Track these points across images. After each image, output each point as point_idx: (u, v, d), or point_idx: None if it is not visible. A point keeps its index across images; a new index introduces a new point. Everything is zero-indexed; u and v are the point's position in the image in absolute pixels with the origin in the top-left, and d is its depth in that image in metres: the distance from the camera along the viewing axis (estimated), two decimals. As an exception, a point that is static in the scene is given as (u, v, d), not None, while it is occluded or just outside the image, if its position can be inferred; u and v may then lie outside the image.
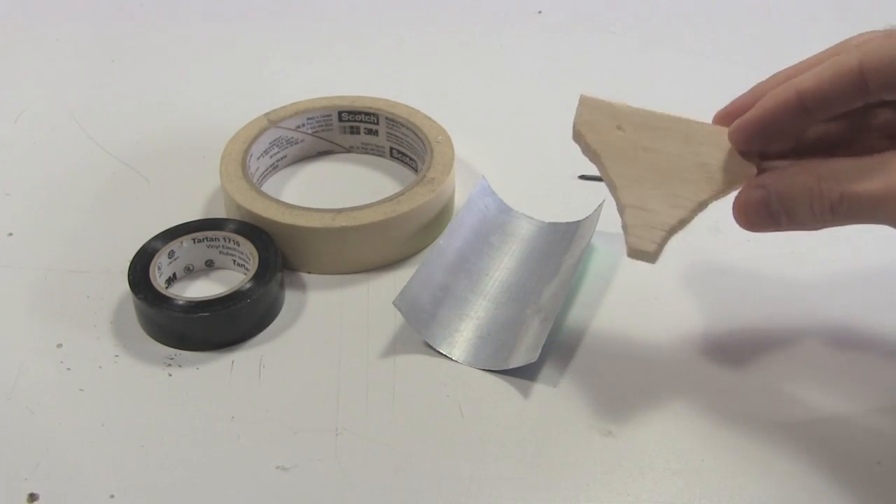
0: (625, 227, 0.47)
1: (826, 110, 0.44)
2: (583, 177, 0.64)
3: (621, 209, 0.48)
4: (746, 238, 0.57)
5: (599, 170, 0.49)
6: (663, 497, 0.45)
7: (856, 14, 0.83)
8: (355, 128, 0.64)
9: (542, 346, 0.49)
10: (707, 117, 0.75)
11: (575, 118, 0.49)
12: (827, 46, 0.47)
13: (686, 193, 0.47)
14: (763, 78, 0.52)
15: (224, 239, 0.55)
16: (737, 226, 0.59)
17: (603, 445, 0.47)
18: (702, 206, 0.47)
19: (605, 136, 0.48)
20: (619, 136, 0.48)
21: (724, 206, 0.61)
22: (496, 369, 0.50)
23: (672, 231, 0.47)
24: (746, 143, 0.46)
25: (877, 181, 0.42)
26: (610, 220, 0.57)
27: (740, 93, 0.48)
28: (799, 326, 0.53)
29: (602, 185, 0.62)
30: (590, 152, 0.49)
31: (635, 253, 0.47)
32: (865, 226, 0.53)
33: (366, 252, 0.56)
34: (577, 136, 0.49)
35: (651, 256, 0.46)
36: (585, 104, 0.49)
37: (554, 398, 0.49)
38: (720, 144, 0.47)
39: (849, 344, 0.52)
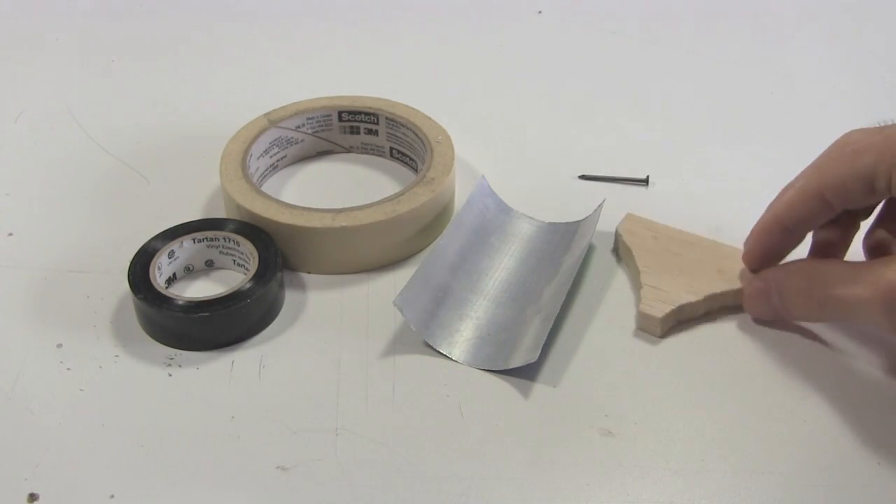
0: (639, 300, 0.52)
1: (803, 228, 0.50)
2: (583, 177, 0.64)
3: (639, 287, 0.53)
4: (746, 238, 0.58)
5: (628, 264, 0.55)
6: (663, 497, 0.45)
7: (856, 14, 0.83)
8: (355, 128, 0.64)
9: (542, 346, 0.49)
10: (706, 117, 0.75)
11: (617, 226, 0.57)
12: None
13: (700, 286, 0.53)
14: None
15: (224, 239, 0.55)
16: (737, 226, 0.59)
17: (603, 445, 0.47)
18: (714, 300, 0.52)
19: (640, 239, 0.56)
20: (652, 242, 0.55)
21: (723, 206, 0.61)
22: (496, 369, 0.50)
23: (681, 311, 0.52)
24: (756, 267, 0.53)
25: (859, 287, 0.46)
26: (610, 220, 0.58)
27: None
28: (799, 327, 0.53)
29: (602, 185, 0.63)
30: (624, 249, 0.56)
31: (643, 319, 0.52)
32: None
33: (366, 252, 0.56)
34: (616, 238, 0.57)
35: (657, 323, 0.52)
36: (629, 219, 0.57)
37: (554, 398, 0.49)
38: (740, 259, 0.54)
39: (849, 344, 0.52)
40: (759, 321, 0.53)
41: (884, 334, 0.48)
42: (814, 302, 0.48)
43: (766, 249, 0.52)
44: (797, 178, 0.50)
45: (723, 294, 0.53)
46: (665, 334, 0.52)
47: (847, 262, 0.49)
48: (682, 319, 0.53)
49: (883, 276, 0.45)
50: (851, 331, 0.52)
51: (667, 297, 0.52)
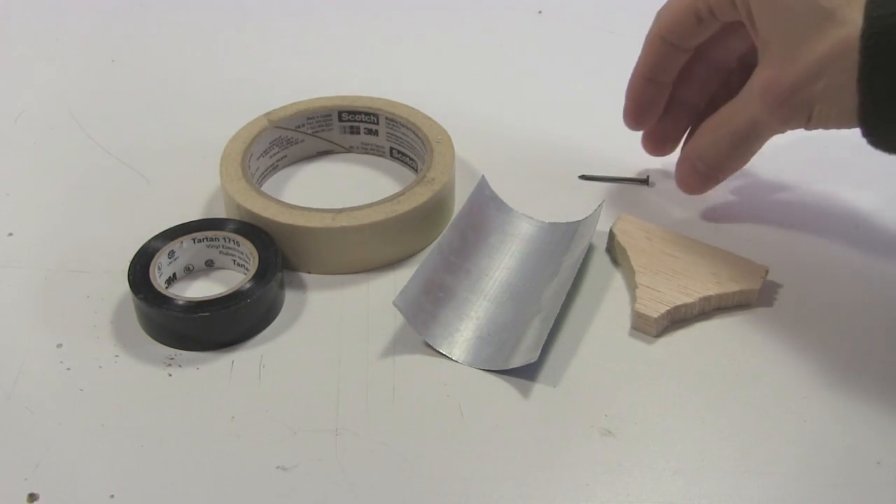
0: (634, 300, 0.52)
1: (662, 74, 0.56)
2: (583, 177, 0.64)
3: (634, 287, 0.53)
4: (746, 237, 0.58)
5: (623, 265, 0.56)
6: (663, 497, 0.45)
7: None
8: (355, 128, 0.64)
9: (542, 346, 0.49)
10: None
11: (612, 226, 0.57)
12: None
13: (694, 287, 0.53)
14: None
15: (224, 239, 0.55)
16: (735, 224, 0.59)
17: (603, 445, 0.47)
18: (707, 301, 0.52)
19: (634, 240, 0.56)
20: (646, 243, 0.55)
21: (722, 203, 0.61)
22: (496, 369, 0.50)
23: (676, 312, 0.52)
24: (635, 122, 0.59)
25: (744, 105, 0.50)
26: (610, 221, 0.58)
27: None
28: (796, 324, 0.53)
29: (602, 185, 0.63)
30: (618, 250, 0.56)
31: (639, 319, 0.52)
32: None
33: (366, 252, 0.56)
34: (610, 238, 0.57)
35: (653, 323, 0.52)
36: (623, 219, 0.57)
37: (554, 398, 0.49)
38: (732, 262, 0.54)
39: (847, 343, 0.52)
40: (688, 188, 0.56)
41: (776, 131, 0.50)
42: (725, 144, 0.52)
43: (637, 103, 0.58)
44: None
45: (717, 297, 0.53)
46: (660, 334, 0.52)
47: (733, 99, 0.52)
48: (677, 319, 0.53)
49: (754, 84, 0.49)
50: (851, 329, 0.52)
51: (662, 297, 0.52)
